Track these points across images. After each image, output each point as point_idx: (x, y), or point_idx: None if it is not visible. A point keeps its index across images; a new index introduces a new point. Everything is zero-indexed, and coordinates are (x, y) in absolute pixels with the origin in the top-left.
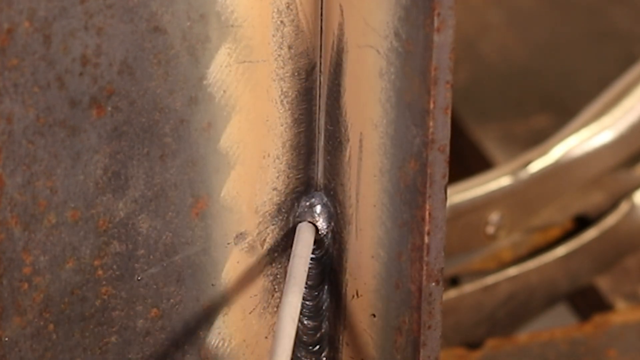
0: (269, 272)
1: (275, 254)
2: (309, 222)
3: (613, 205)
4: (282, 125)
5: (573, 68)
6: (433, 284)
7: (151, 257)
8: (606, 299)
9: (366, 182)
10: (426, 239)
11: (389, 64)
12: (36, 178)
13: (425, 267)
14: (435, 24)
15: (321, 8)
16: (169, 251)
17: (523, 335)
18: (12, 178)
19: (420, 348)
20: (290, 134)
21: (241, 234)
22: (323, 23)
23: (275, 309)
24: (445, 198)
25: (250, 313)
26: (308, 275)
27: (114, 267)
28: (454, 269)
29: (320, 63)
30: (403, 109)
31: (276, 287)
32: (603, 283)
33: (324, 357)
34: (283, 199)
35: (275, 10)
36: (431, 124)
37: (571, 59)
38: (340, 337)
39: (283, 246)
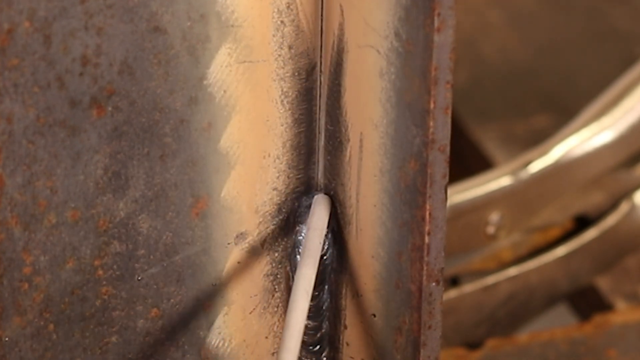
0: (269, 272)
1: (276, 254)
2: (325, 194)
3: (613, 205)
4: (282, 125)
5: (573, 68)
6: (433, 284)
7: (151, 257)
8: (606, 299)
9: (366, 182)
10: (426, 239)
11: (389, 64)
12: (36, 178)
13: (425, 267)
14: (435, 24)
15: (321, 8)
16: (169, 251)
17: (523, 335)
18: (12, 178)
19: (420, 348)
20: (291, 134)
21: (241, 234)
22: (323, 23)
23: (275, 309)
24: (446, 198)
25: (250, 313)
26: None
27: (114, 267)
28: (454, 269)
29: (321, 63)
30: (403, 109)
31: (276, 287)
32: (603, 283)
33: (324, 357)
34: (283, 199)
35: (276, 10)
36: (431, 124)
37: (571, 59)
38: (341, 337)
39: (283, 246)
